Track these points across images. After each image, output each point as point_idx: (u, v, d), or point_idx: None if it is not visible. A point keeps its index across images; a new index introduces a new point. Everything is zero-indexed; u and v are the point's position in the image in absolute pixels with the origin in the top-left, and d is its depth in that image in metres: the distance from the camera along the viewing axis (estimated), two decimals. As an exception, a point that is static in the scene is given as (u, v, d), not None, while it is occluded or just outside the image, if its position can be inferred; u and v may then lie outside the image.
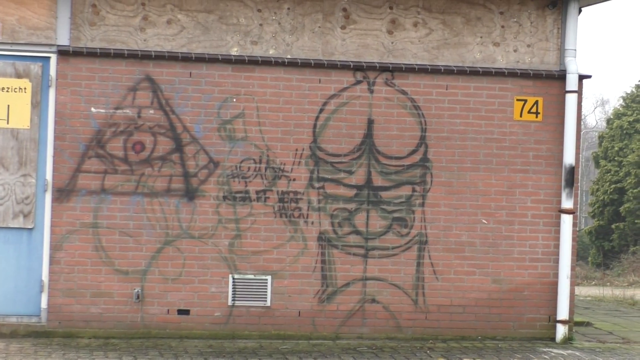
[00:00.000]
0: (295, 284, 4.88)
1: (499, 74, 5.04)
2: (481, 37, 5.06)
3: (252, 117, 4.84)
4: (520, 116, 5.07)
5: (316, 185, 4.91)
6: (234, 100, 4.82)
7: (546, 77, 5.07)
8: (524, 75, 5.04)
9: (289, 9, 4.86)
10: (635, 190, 20.94)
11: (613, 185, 22.67)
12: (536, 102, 5.07)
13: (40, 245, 4.73)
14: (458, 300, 5.01)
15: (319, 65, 4.87)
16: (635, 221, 19.93)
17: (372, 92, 4.96)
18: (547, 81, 5.09)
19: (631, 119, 23.92)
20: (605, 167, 23.48)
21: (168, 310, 4.78)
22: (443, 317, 5.01)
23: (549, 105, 5.07)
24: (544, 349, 4.74)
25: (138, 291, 4.70)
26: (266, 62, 4.83)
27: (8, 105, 4.66)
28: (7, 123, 4.67)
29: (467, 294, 5.02)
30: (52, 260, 4.66)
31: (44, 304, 4.72)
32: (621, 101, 26.29)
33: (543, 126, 5.10)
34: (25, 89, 4.69)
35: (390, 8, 4.96)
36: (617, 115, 25.32)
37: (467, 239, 5.03)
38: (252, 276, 4.86)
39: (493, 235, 5.07)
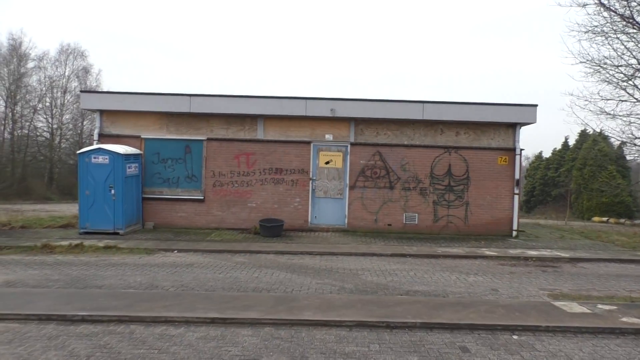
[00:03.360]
0: (425, 217, 15.04)
1: (494, 149, 15.13)
2: (487, 137, 15.18)
3: (414, 165, 15.12)
4: (500, 162, 15.14)
5: (433, 185, 15.10)
6: (407, 161, 15.10)
7: (508, 150, 15.14)
8: (500, 149, 15.11)
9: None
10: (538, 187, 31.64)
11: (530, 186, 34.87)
12: (506, 158, 15.13)
13: (345, 204, 15.05)
14: (480, 222, 15.04)
15: (431, 147, 15.10)
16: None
17: (450, 154, 15.13)
18: (509, 151, 15.14)
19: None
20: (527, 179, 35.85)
21: (385, 224, 14.99)
22: (475, 229, 15.03)
23: (510, 159, 15.13)
24: (508, 239, 14.66)
25: (376, 218, 14.96)
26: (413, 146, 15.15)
27: (335, 160, 15.06)
28: (335, 164, 15.05)
29: (483, 221, 15.05)
30: (349, 209, 14.96)
31: (346, 222, 15.03)
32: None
33: (508, 165, 15.14)
34: (341, 155, 15.13)
35: (457, 132, 15.16)
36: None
37: (482, 203, 15.07)
38: (411, 214, 15.04)
39: (491, 202, 15.09)
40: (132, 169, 13.61)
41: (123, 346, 5.43)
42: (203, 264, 9.96)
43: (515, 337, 6.05)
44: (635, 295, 8.25)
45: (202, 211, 14.86)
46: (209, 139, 14.84)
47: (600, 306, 7.29)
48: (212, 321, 6.26)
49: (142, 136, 14.73)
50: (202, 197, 14.84)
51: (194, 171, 14.87)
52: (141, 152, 14.43)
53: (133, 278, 8.61)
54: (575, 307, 7.19)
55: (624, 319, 6.64)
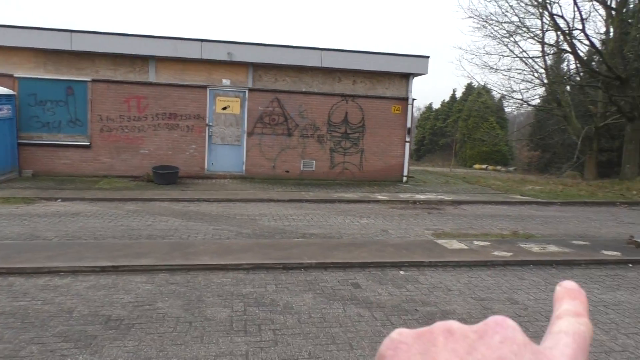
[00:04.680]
0: (322, 164, 15.38)
1: (388, 98, 15.64)
2: (382, 86, 15.62)
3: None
4: (394, 111, 15.74)
5: (330, 132, 15.36)
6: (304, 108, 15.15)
7: (402, 99, 15.75)
8: (394, 98, 15.68)
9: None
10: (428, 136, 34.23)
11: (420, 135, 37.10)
12: (399, 107, 15.74)
13: (243, 150, 14.87)
14: (373, 169, 15.69)
15: (329, 94, 15.27)
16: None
17: (347, 102, 15.41)
18: (402, 101, 15.76)
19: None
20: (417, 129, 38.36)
21: (283, 171, 15.10)
22: (369, 175, 15.67)
23: (403, 108, 15.77)
24: (399, 184, 15.49)
25: (274, 165, 15.01)
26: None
27: (232, 106, 14.71)
28: (232, 110, 14.71)
29: (377, 167, 15.71)
30: (247, 156, 14.84)
31: (244, 169, 14.91)
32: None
33: (401, 114, 15.79)
34: (239, 101, 14.77)
35: (354, 81, 15.41)
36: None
37: (376, 150, 15.69)
38: (308, 160, 15.29)
39: (384, 149, 15.76)
40: (4, 111, 12.28)
41: (1, 299, 5.06)
42: (91, 213, 9.43)
43: (402, 272, 6.51)
44: (505, 232, 9.21)
45: (88, 158, 13.91)
46: (94, 80, 13.73)
47: (476, 242, 8.05)
48: (102, 269, 6.01)
49: (15, 75, 13.25)
50: (89, 143, 13.86)
51: (77, 115, 13.75)
52: (14, 93, 13.02)
53: (10, 229, 7.95)
54: (455, 244, 7.87)
55: (495, 253, 7.40)
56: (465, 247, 7.73)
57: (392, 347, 0.35)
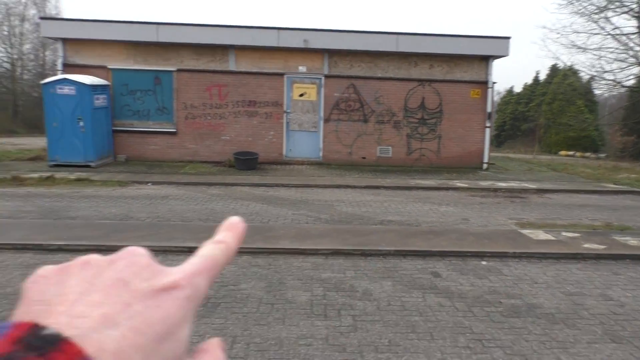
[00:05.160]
0: (399, 150, 15.17)
1: (467, 82, 15.10)
2: (460, 70, 15.09)
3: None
4: (473, 95, 15.17)
5: (406, 118, 15.11)
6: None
7: (481, 83, 15.13)
8: (473, 82, 15.09)
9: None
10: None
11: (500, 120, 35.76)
12: (479, 91, 15.16)
13: (320, 137, 15.00)
14: (452, 155, 15.27)
15: (405, 79, 14.97)
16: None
17: (424, 87, 15.05)
18: (482, 84, 15.15)
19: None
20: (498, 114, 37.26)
21: (360, 157, 15.07)
22: (447, 161, 15.28)
23: (482, 92, 15.16)
24: (479, 171, 14.98)
25: (350, 151, 15.00)
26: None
27: (309, 93, 14.82)
28: (309, 97, 14.83)
29: (455, 153, 15.27)
30: (324, 142, 14.94)
31: (320, 155, 15.04)
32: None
33: (480, 99, 15.20)
34: (315, 88, 14.86)
35: (431, 65, 15.00)
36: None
37: (454, 136, 15.23)
38: (385, 147, 15.14)
39: (463, 135, 15.26)
40: (101, 100, 13.17)
41: (102, 275, 5.48)
42: (178, 196, 9.94)
43: (484, 262, 6.33)
44: (597, 223, 8.66)
45: (174, 144, 14.63)
46: (179, 70, 14.36)
47: (564, 233, 7.64)
48: (190, 250, 6.21)
49: (109, 67, 14.16)
50: (175, 130, 14.57)
51: (164, 103, 14.49)
52: (109, 84, 13.92)
53: (107, 209, 8.56)
54: (541, 235, 7.52)
55: (586, 245, 6.99)
56: (553, 238, 7.37)
57: (33, 280, 0.38)
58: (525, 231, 7.74)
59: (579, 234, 7.63)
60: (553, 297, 5.23)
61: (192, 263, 0.42)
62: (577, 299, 5.22)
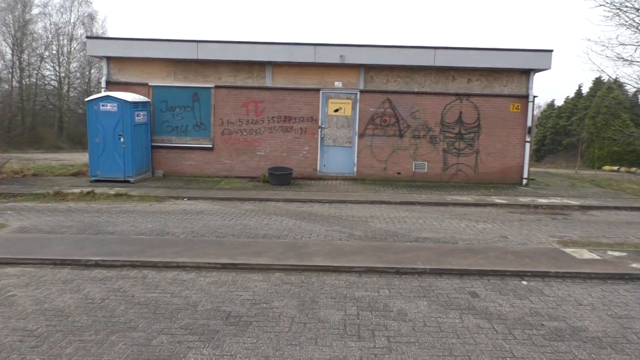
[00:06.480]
0: (435, 165, 14.93)
1: (506, 96, 14.78)
2: (499, 83, 14.80)
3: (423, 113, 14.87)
4: (512, 110, 14.83)
5: (443, 132, 14.89)
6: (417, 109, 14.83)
7: (521, 97, 14.78)
8: (513, 96, 14.76)
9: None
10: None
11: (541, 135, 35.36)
12: (518, 105, 14.80)
13: (354, 152, 14.94)
14: (490, 171, 14.92)
15: (442, 94, 14.78)
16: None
17: (461, 102, 14.82)
18: (522, 98, 14.80)
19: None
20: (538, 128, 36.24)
21: (394, 172, 14.92)
22: (485, 177, 14.93)
23: (522, 106, 14.81)
24: (518, 187, 14.57)
25: (385, 166, 14.88)
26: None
27: (344, 108, 14.83)
28: (344, 112, 14.83)
29: (493, 169, 14.92)
30: (358, 157, 14.87)
31: (355, 170, 14.97)
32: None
33: (520, 113, 14.83)
34: (350, 103, 14.85)
35: (469, 79, 14.78)
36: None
37: (492, 151, 14.90)
38: (420, 162, 14.93)
39: (502, 150, 14.91)
40: (141, 117, 13.52)
41: (136, 290, 5.53)
42: (213, 212, 10.03)
43: (524, 282, 6.09)
44: (645, 242, 8.23)
45: (211, 159, 14.85)
46: (217, 87, 14.62)
47: (610, 253, 7.29)
48: (223, 267, 6.34)
49: (150, 84, 14.54)
50: (211, 146, 14.79)
51: (202, 119, 14.75)
52: (149, 100, 14.29)
53: (144, 225, 8.71)
54: (585, 254, 7.20)
55: (634, 265, 6.64)
56: (598, 257, 7.03)
57: None
58: (568, 250, 7.42)
59: (625, 253, 7.26)
60: (599, 320, 4.96)
61: None
62: (625, 322, 4.94)
